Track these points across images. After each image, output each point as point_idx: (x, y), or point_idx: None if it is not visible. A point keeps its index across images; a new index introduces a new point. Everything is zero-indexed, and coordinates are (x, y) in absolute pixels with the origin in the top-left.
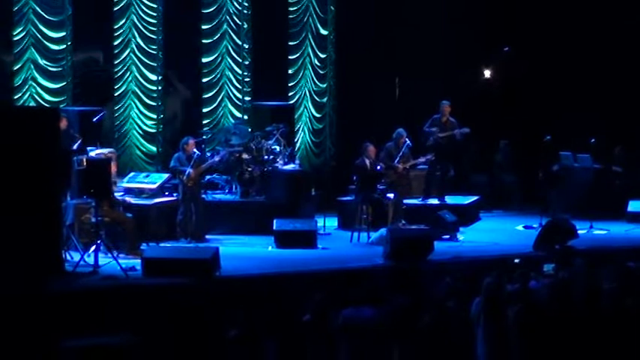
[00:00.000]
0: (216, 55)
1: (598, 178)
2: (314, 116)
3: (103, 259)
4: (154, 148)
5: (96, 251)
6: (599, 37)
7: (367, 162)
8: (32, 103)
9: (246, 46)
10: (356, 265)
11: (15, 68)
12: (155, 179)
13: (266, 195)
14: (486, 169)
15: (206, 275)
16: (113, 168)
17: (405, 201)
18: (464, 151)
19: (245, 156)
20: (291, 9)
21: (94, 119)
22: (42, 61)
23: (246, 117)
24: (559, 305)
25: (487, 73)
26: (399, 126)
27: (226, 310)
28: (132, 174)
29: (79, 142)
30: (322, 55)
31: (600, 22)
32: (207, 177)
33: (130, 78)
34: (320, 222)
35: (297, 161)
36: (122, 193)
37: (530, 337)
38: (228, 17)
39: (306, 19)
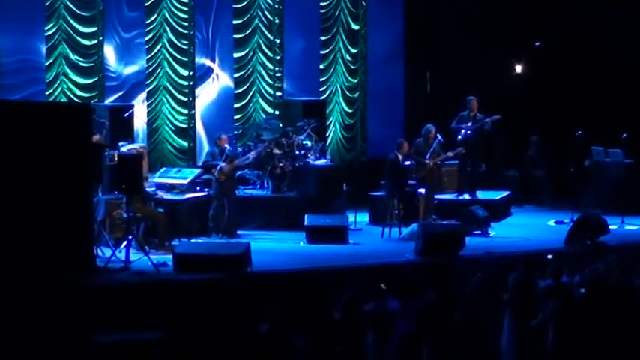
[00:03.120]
0: (248, 50)
1: (629, 173)
2: (345, 111)
3: (135, 255)
4: (186, 144)
5: (127, 247)
6: (631, 31)
7: (400, 158)
8: (64, 99)
9: (278, 41)
10: (387, 261)
11: (47, 63)
12: (186, 175)
13: (297, 190)
14: (517, 165)
15: (237, 271)
16: (144, 164)
17: (437, 196)
18: (495, 146)
19: (276, 151)
20: (322, 4)
21: (125, 114)
22: (73, 57)
23: (277, 112)
24: (592, 301)
25: (518, 68)
26: (430, 121)
27: (257, 306)
28: (163, 169)
29: (106, 128)
30: (354, 50)
31: (632, 17)
32: (239, 172)
33: (161, 73)
34: (351, 217)
35: (328, 156)
36: (153, 189)
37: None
38: (259, 12)
39: (337, 13)
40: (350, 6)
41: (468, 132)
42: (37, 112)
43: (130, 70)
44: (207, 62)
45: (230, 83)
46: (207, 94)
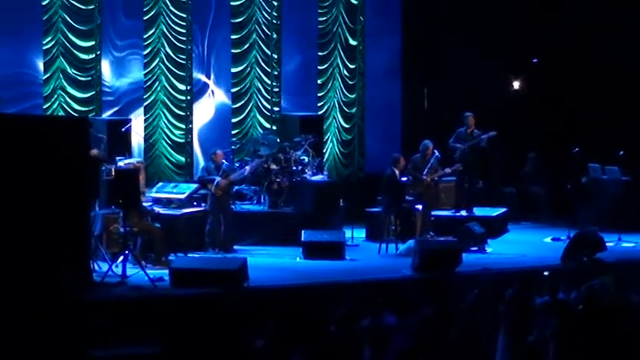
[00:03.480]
0: (246, 65)
1: (626, 190)
2: (343, 127)
3: (131, 270)
4: (183, 159)
5: (124, 261)
6: (628, 49)
7: (397, 173)
8: (61, 113)
9: (275, 57)
10: (384, 277)
11: (44, 77)
12: (184, 189)
13: (294, 206)
14: (514, 181)
15: (234, 286)
16: (142, 178)
17: (434, 212)
18: (492, 162)
19: (273, 166)
20: (320, 19)
21: (123, 129)
22: (71, 71)
23: (274, 127)
24: (589, 317)
25: (516, 85)
26: (427, 137)
27: (254, 321)
28: (160, 184)
29: (104, 142)
30: (351, 66)
31: (629, 34)
32: (236, 187)
33: (159, 88)
34: (348, 233)
35: (325, 172)
36: (150, 203)
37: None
38: (257, 27)
39: (335, 29)
40: (348, 21)
41: (464, 146)
42: (34, 125)
43: (127, 84)
44: (203, 78)
45: (226, 100)
46: (204, 110)
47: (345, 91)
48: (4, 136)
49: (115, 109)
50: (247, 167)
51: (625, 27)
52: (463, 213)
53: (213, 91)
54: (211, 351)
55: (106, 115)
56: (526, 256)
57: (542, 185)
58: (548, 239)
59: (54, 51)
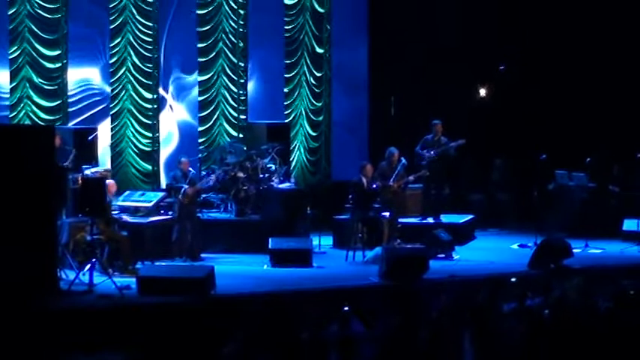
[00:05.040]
0: (212, 73)
1: (593, 196)
2: (310, 135)
3: (98, 278)
4: (150, 167)
5: (91, 270)
6: (595, 56)
7: (364, 181)
8: (27, 122)
9: (242, 65)
10: (351, 284)
11: (11, 87)
12: (150, 198)
13: (261, 213)
14: (481, 188)
15: (201, 294)
16: (114, 187)
17: (401, 220)
18: (459, 169)
19: (240, 174)
20: (286, 27)
21: (89, 138)
22: (37, 79)
23: (241, 135)
24: (556, 323)
25: (482, 92)
26: (395, 145)
27: (222, 329)
28: (127, 192)
29: (72, 154)
30: (318, 74)
31: (596, 42)
32: (203, 195)
33: (125, 96)
34: (315, 240)
35: (292, 180)
36: (117, 212)
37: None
38: (223, 35)
39: (302, 37)
40: (314, 29)
41: (433, 154)
42: None
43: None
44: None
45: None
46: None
47: (311, 98)
48: None
49: (83, 116)
50: (212, 176)
51: (591, 32)
52: (430, 220)
53: (171, 106)
54: (179, 359)
55: (72, 123)
56: (493, 263)
57: (509, 192)
58: (515, 246)
59: (20, 60)
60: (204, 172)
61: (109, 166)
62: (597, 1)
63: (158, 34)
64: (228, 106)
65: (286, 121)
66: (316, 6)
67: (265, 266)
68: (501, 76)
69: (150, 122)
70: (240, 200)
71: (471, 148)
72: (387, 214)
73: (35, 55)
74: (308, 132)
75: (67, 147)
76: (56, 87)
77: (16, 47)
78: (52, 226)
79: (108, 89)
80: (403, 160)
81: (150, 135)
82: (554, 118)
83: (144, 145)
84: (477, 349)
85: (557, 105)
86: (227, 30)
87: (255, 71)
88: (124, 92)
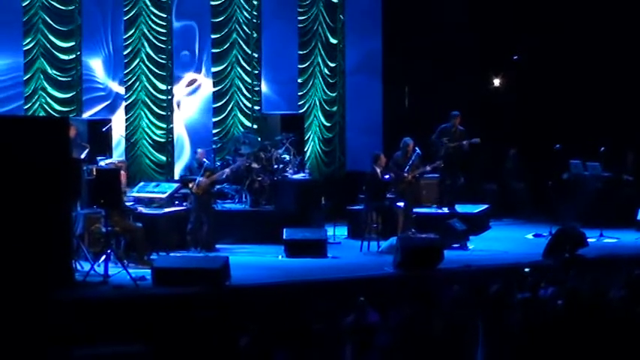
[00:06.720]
0: (226, 64)
1: (608, 186)
2: (324, 125)
3: (113, 269)
4: (164, 158)
5: (106, 261)
6: (610, 46)
7: (378, 171)
8: (42, 113)
9: (256, 55)
10: (366, 274)
11: (25, 78)
12: (165, 189)
13: (276, 204)
14: (496, 178)
15: (216, 285)
16: (123, 177)
17: (415, 210)
18: (473, 159)
19: (255, 165)
20: (300, 18)
21: (103, 129)
22: (51, 71)
23: (255, 126)
24: (568, 313)
25: (496, 82)
26: (408, 135)
27: (237, 320)
28: (142, 183)
29: (87, 150)
30: (332, 64)
31: (611, 31)
32: (217, 186)
33: (139, 87)
34: (330, 231)
35: (306, 170)
36: (132, 203)
37: (538, 345)
38: (237, 26)
39: (315, 27)
40: (328, 20)
41: (447, 142)
42: (14, 126)
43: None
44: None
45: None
46: (191, 106)
47: (325, 89)
48: None
49: (98, 107)
50: (227, 169)
51: (605, 22)
52: (445, 210)
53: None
54: (194, 350)
55: (88, 114)
56: (508, 253)
57: (524, 182)
58: (529, 235)
59: (34, 52)
60: (218, 164)
61: (123, 157)
62: None
63: (171, 25)
64: (242, 97)
65: (300, 111)
66: None
67: (280, 257)
68: (515, 65)
69: (164, 113)
70: (255, 191)
71: (485, 138)
72: (401, 204)
73: (49, 46)
74: (322, 122)
75: (82, 143)
76: (70, 78)
77: (30, 39)
78: (67, 218)
79: (110, 82)
80: (418, 151)
81: (164, 126)
82: (569, 108)
83: (158, 136)
84: (490, 338)
85: (572, 94)
86: (241, 21)
87: (269, 61)
88: (138, 84)
